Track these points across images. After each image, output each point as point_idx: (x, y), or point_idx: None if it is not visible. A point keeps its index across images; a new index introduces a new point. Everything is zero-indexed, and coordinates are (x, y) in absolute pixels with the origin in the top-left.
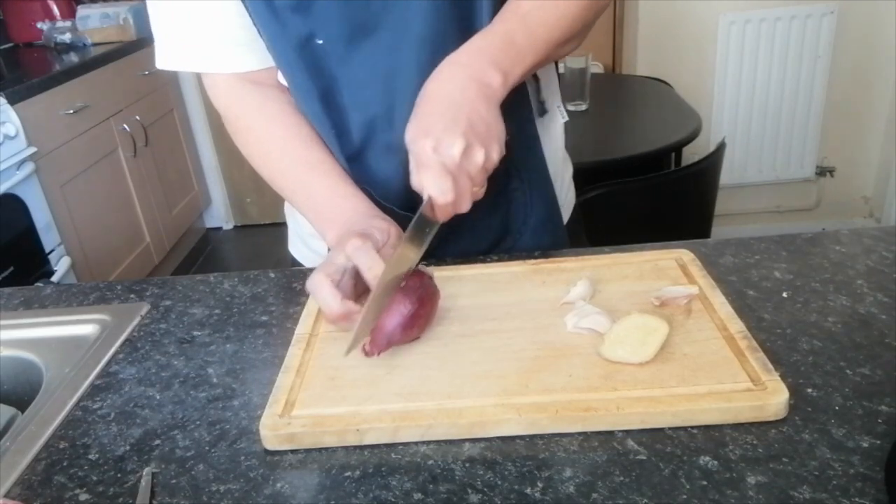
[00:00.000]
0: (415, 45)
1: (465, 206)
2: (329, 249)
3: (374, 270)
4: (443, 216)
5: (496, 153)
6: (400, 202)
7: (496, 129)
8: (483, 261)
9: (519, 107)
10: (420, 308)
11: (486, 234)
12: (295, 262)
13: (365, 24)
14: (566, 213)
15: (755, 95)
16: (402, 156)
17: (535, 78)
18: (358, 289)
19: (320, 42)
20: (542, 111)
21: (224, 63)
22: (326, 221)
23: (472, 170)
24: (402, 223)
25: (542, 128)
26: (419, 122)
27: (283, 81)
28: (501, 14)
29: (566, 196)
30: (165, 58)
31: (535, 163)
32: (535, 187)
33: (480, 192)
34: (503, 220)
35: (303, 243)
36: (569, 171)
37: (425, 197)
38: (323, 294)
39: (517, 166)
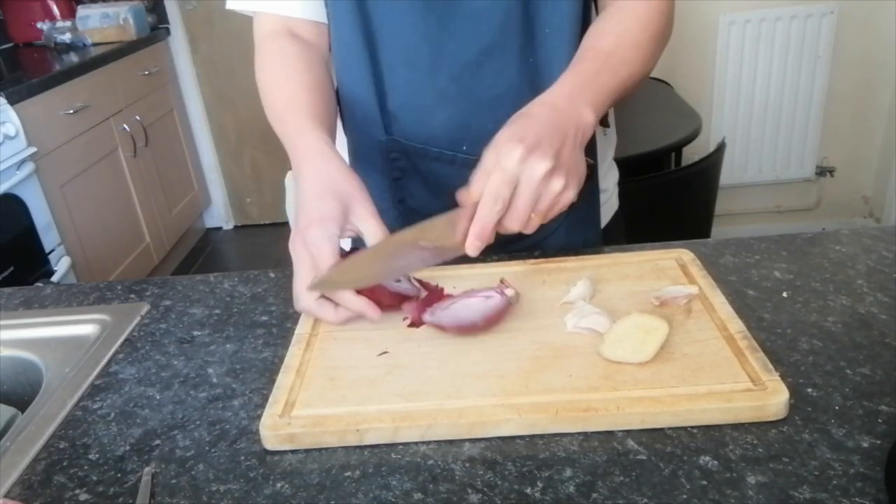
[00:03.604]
0: (466, 14)
1: (515, 225)
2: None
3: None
4: (481, 231)
5: (572, 192)
6: (440, 144)
7: (580, 171)
8: (483, 261)
9: None
10: (481, 324)
11: None
12: None
13: None
14: (607, 216)
15: (755, 95)
16: (440, 118)
17: None
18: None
19: None
20: (602, 121)
21: (272, 4)
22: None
23: (545, 194)
24: (435, 163)
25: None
26: (515, 129)
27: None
28: (585, 53)
29: (609, 198)
30: None
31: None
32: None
33: (534, 223)
34: None
35: None
36: (613, 176)
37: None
38: (323, 313)
39: None
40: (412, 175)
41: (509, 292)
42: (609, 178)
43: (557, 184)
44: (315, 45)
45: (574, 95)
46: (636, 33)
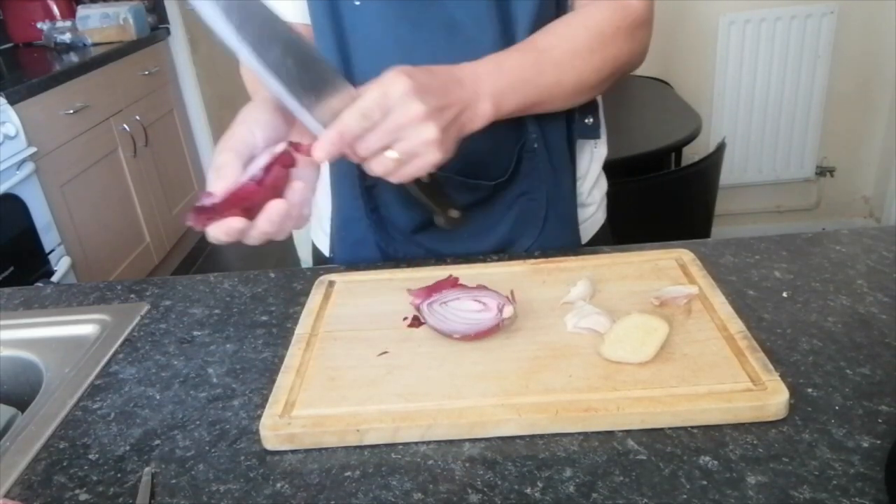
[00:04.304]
0: (440, 23)
1: (364, 150)
2: None
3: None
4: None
5: (438, 154)
6: None
7: (449, 151)
8: (483, 261)
9: (554, 119)
10: (457, 337)
11: (489, 236)
12: (316, 249)
13: None
14: (591, 231)
15: (755, 95)
16: None
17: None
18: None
19: (357, 3)
20: (589, 133)
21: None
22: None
23: (411, 136)
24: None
25: (578, 147)
26: (409, 68)
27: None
28: (518, 45)
29: (594, 213)
30: None
31: (560, 177)
32: (556, 200)
33: (389, 165)
34: (513, 228)
35: (321, 230)
36: (601, 190)
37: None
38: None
39: (541, 176)
40: (385, 185)
41: (507, 313)
42: (595, 193)
43: (427, 132)
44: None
45: (481, 78)
46: (580, 40)
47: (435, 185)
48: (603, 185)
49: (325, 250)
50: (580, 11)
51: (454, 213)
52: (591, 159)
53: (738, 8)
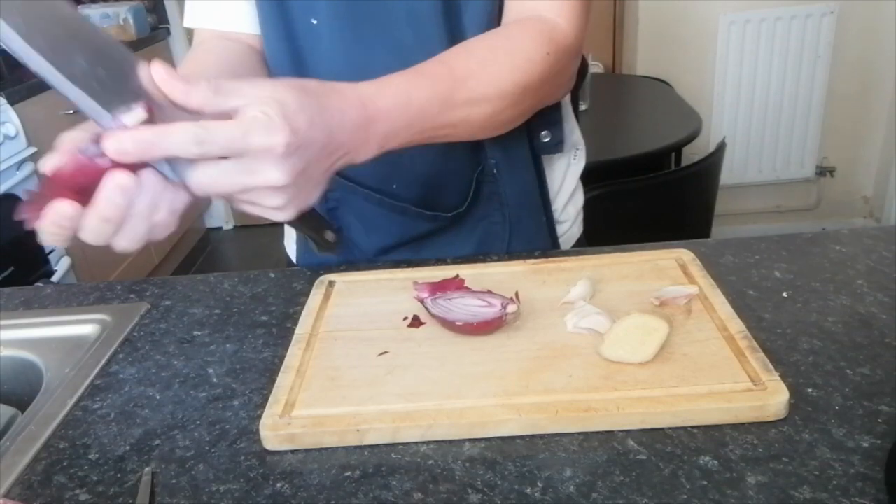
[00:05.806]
0: (394, 45)
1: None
2: None
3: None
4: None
5: (290, 212)
6: (369, 183)
7: (316, 190)
8: (483, 261)
9: (514, 139)
10: (460, 326)
11: (453, 249)
12: (288, 258)
13: (353, 13)
14: (566, 245)
15: (755, 95)
16: None
17: (542, 113)
18: None
19: (315, 22)
20: (549, 149)
21: (224, 21)
22: None
23: (257, 204)
24: (364, 202)
25: (546, 162)
26: (297, 111)
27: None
28: (434, 67)
29: (569, 228)
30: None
31: (524, 197)
32: (518, 220)
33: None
34: (477, 249)
35: (290, 237)
36: (576, 204)
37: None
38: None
39: (501, 199)
40: (346, 207)
41: (510, 308)
42: (570, 208)
43: (274, 201)
44: (258, 49)
45: (381, 119)
46: (503, 71)
47: (305, 214)
48: (578, 199)
49: (294, 258)
50: (504, 34)
51: (329, 237)
52: (566, 173)
53: (738, 8)
